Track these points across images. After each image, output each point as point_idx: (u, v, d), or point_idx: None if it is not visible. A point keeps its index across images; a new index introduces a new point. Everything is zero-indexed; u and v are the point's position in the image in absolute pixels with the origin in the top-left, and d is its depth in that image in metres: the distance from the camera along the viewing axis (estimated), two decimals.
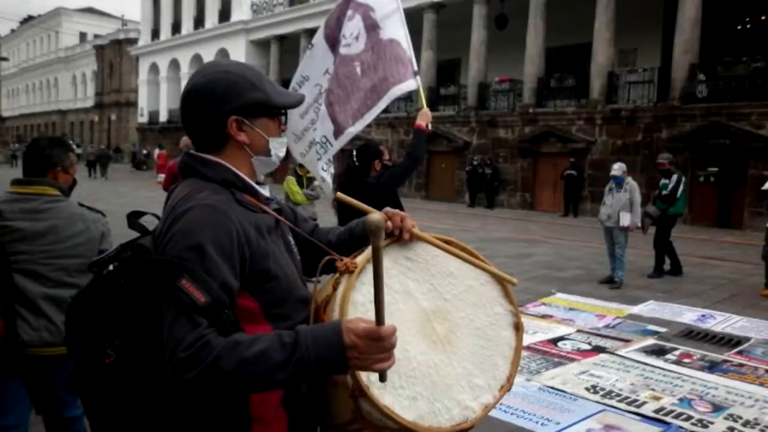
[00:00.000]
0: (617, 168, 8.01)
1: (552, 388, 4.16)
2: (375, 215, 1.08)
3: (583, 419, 3.61)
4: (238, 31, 29.74)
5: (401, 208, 2.65)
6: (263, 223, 1.28)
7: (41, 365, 2.28)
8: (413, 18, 11.71)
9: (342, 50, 3.91)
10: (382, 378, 1.13)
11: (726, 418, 3.67)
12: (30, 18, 63.04)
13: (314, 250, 1.42)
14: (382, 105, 3.89)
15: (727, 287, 7.92)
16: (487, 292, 1.40)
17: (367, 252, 1.29)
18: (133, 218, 1.32)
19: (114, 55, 46.63)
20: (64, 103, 56.53)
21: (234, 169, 1.29)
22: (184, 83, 1.22)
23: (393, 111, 21.25)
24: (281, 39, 27.67)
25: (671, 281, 8.28)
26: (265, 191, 1.35)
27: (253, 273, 1.22)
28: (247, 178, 1.31)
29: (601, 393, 4.06)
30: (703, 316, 6.37)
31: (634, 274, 8.40)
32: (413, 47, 4.02)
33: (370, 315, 1.12)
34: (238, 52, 29.21)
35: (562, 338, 5.36)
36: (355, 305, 1.23)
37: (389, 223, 1.34)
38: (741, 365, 4.74)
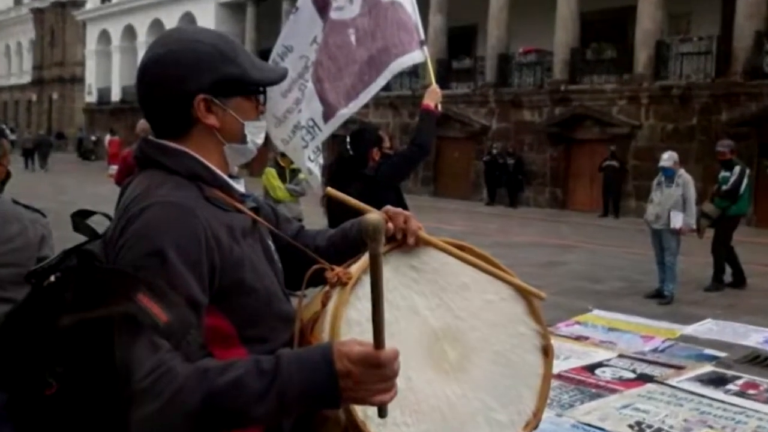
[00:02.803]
0: (667, 158, 8.01)
1: (588, 425, 4.17)
2: (373, 215, 1.08)
3: None
4: None
5: (405, 207, 2.65)
6: (237, 224, 1.28)
7: None
8: None
9: (333, 15, 3.91)
10: (382, 413, 1.13)
11: None
12: None
13: (299, 258, 1.42)
14: (381, 81, 3.89)
15: None
16: (509, 309, 1.40)
17: (364, 260, 1.29)
18: (80, 219, 1.32)
19: (56, 21, 46.64)
20: None
21: (202, 159, 1.30)
22: (141, 55, 1.23)
23: (395, 88, 21.27)
24: (258, 1, 27.66)
25: (733, 295, 8.28)
26: (239, 186, 1.36)
27: (225, 285, 1.22)
28: (217, 170, 1.31)
29: (648, 431, 4.07)
30: None
31: (687, 287, 8.40)
32: (420, 11, 4.02)
33: (368, 336, 1.12)
34: (207, 16, 29.19)
35: (600, 364, 5.36)
36: (350, 324, 1.24)
37: (390, 225, 1.34)
38: None
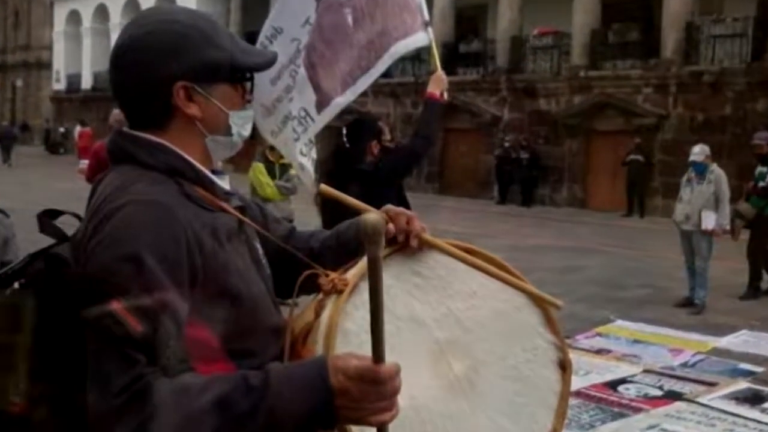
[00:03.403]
0: (698, 152, 8.02)
1: None
2: (372, 215, 1.08)
3: None
4: None
5: (407, 206, 2.64)
6: (221, 225, 1.28)
7: None
8: None
9: None
10: None
11: None
12: None
13: (290, 263, 1.42)
14: (381, 67, 3.89)
15: None
16: (523, 319, 1.41)
17: (362, 265, 1.29)
18: (47, 219, 1.32)
19: (20, 0, 46.65)
20: None
21: (182, 152, 1.30)
22: (115, 37, 1.23)
23: (396, 75, 21.27)
24: None
25: None
26: (223, 183, 1.36)
27: (208, 293, 1.22)
28: (199, 166, 1.31)
29: None
30: None
31: (720, 294, 8.40)
32: None
33: (366, 349, 1.12)
34: None
35: (623, 381, 5.36)
36: (346, 336, 1.24)
37: (391, 226, 1.34)
38: None
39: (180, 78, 1.27)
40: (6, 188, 17.25)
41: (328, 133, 4.68)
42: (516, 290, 1.41)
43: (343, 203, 1.48)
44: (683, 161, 9.35)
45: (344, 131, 4.09)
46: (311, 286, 1.35)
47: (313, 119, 3.89)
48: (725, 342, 6.55)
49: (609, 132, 18.28)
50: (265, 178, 7.50)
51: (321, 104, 3.85)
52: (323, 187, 1.58)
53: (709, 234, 7.82)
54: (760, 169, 8.65)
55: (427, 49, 3.95)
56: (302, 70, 3.88)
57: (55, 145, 36.19)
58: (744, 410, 4.80)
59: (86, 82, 35.95)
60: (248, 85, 1.38)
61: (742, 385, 5.33)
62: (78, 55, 37.03)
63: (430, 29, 3.98)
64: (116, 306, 1.11)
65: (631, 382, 5.37)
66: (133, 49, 1.28)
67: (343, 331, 1.24)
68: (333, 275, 1.32)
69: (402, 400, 1.14)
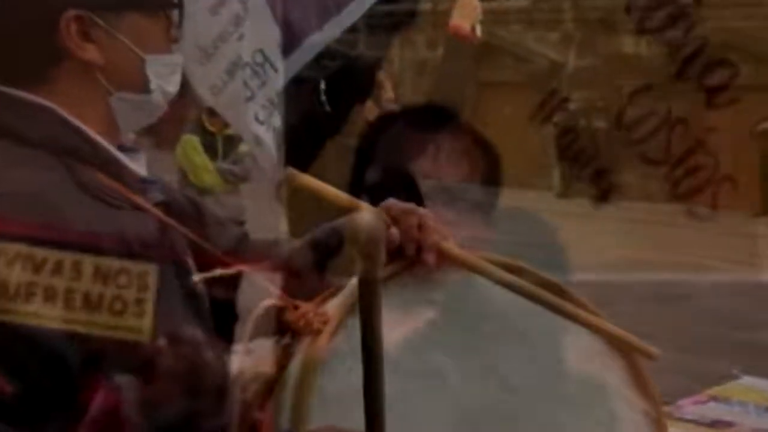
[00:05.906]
0: None
1: None
2: (366, 216, 1.09)
3: None
4: None
5: (420, 201, 2.65)
6: (133, 230, 1.29)
7: None
8: None
9: None
10: None
11: None
12: None
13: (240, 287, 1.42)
14: None
15: None
16: (598, 374, 1.41)
17: (350, 292, 1.29)
18: None
19: None
20: None
21: (74, 120, 1.30)
22: None
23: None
24: None
25: None
26: (138, 166, 1.37)
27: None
28: (100, 139, 1.32)
29: None
30: None
31: None
32: None
33: (357, 421, 1.13)
34: None
35: None
36: (326, 400, 1.24)
37: (395, 231, 1.35)
38: None
39: (70, 5, 1.28)
40: None
41: (298, 89, 4.69)
42: (587, 330, 1.41)
43: (320, 196, 1.48)
44: None
45: (322, 86, 4.10)
46: (273, 324, 1.35)
47: (274, 67, 3.90)
48: None
49: (730, 88, 18.29)
50: (201, 159, 7.51)
51: (288, 44, 3.86)
52: (291, 171, 1.58)
53: None
54: None
55: None
56: None
57: None
58: None
59: None
60: (175, 14, 1.38)
61: None
62: None
63: None
64: None
65: None
66: None
67: (321, 392, 1.24)
68: (306, 307, 1.32)
69: None
